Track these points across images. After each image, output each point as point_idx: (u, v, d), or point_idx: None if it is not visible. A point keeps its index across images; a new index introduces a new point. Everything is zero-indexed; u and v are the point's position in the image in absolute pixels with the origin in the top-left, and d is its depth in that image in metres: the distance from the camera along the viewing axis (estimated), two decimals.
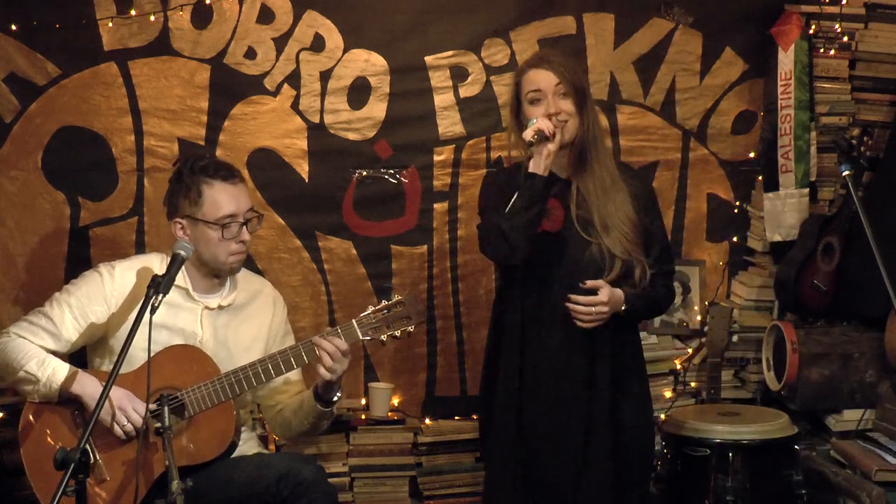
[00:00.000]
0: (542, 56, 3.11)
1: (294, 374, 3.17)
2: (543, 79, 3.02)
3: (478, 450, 3.98)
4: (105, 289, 3.05)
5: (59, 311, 3.02)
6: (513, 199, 2.95)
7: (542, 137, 2.93)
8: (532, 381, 3.06)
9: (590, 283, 2.97)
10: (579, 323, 2.98)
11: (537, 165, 2.94)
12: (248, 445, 3.19)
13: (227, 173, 3.05)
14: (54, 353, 3.00)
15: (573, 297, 2.97)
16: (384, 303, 3.02)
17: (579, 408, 3.05)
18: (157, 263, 3.12)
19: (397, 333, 3.00)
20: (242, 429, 3.18)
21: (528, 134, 2.93)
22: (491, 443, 3.21)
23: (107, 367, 3.05)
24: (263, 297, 3.25)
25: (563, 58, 3.09)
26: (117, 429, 2.88)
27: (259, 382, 2.99)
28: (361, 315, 3.00)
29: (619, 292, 3.01)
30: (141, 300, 2.73)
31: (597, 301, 2.96)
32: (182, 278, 3.06)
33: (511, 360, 3.09)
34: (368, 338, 2.99)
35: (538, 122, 2.94)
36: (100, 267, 3.12)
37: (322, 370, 2.95)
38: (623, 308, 3.01)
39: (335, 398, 3.07)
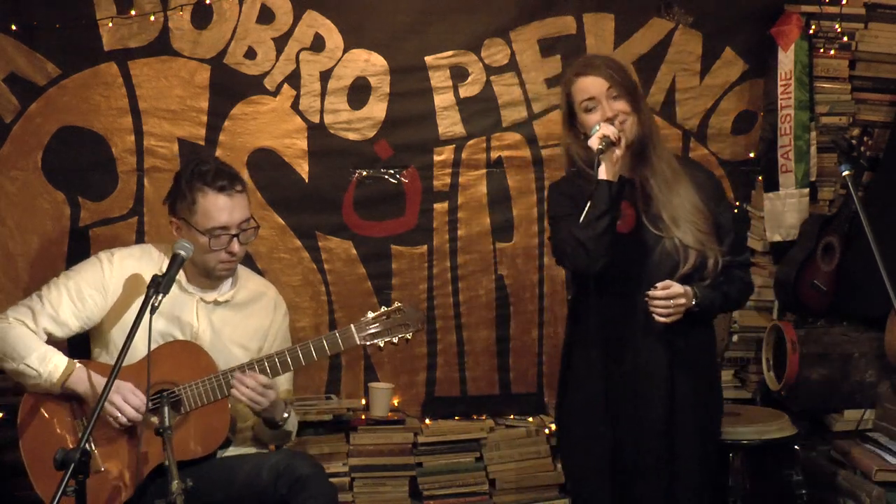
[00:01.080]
0: (588, 62, 3.06)
1: (282, 378, 3.14)
2: (594, 85, 2.98)
3: (478, 450, 3.98)
4: (104, 275, 3.05)
5: (56, 294, 3.02)
6: (586, 209, 2.90)
7: (609, 143, 2.89)
8: (614, 382, 3.01)
9: (660, 286, 2.92)
10: (658, 318, 2.92)
11: (607, 171, 2.90)
12: (250, 444, 3.20)
13: (225, 184, 3.00)
14: (52, 337, 3.00)
15: (651, 292, 2.92)
16: (383, 309, 3.03)
17: (662, 406, 3.00)
18: (156, 254, 3.12)
19: (395, 340, 3.01)
20: (244, 425, 3.18)
21: (595, 142, 2.89)
22: (575, 453, 3.16)
23: (105, 358, 3.05)
24: (266, 300, 3.24)
25: (608, 60, 3.05)
26: (119, 416, 2.89)
27: None
28: (360, 320, 3.01)
29: (688, 289, 2.95)
30: (139, 292, 2.74)
31: (673, 293, 2.91)
32: None
33: (592, 362, 3.03)
34: (367, 343, 3.00)
35: (601, 128, 2.90)
36: (100, 254, 3.13)
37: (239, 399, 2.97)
38: (693, 302, 2.95)
39: (280, 422, 3.08)
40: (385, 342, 3.00)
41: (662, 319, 2.92)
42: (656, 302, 2.92)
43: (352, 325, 3.00)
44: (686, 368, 3.01)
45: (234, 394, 2.94)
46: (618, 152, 2.91)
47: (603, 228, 2.88)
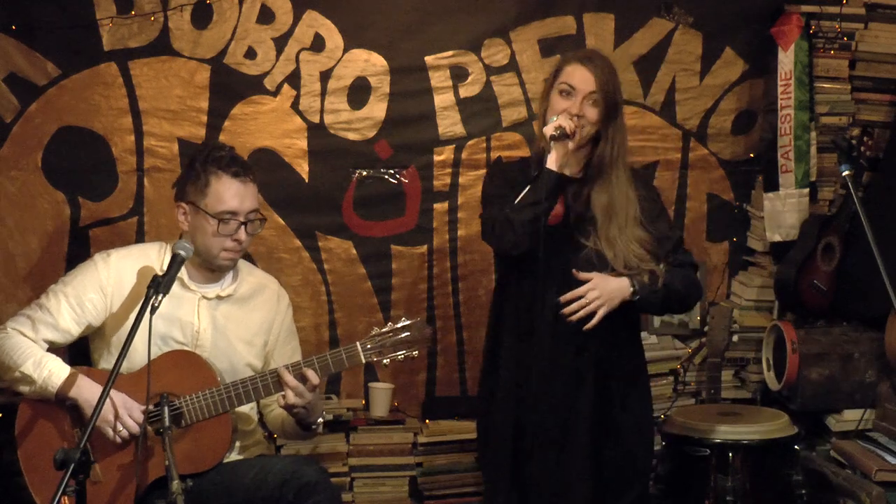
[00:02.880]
0: (591, 56, 3.08)
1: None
2: (583, 78, 3.01)
3: (478, 450, 3.98)
4: (100, 276, 3.03)
5: (55, 302, 3.00)
6: (524, 192, 2.94)
7: (563, 134, 2.94)
8: (525, 379, 3.05)
9: (583, 275, 2.97)
10: (572, 318, 2.96)
11: (556, 161, 2.95)
12: (254, 449, 3.19)
13: (239, 170, 3.02)
14: (53, 344, 2.99)
15: (563, 298, 2.96)
16: (390, 326, 2.99)
17: (566, 406, 3.05)
18: (154, 253, 3.11)
19: (400, 358, 2.98)
20: (248, 428, 3.18)
21: (549, 129, 2.95)
22: (489, 441, 3.21)
23: (105, 361, 3.04)
24: (269, 292, 3.23)
25: (609, 70, 3.06)
26: (111, 434, 2.87)
27: (258, 397, 2.98)
28: (366, 338, 2.97)
29: (619, 280, 2.99)
30: (139, 293, 2.72)
31: (585, 290, 2.95)
32: None
33: (507, 355, 3.10)
34: (373, 360, 2.97)
35: (560, 119, 2.96)
36: (95, 256, 3.11)
37: (280, 401, 2.94)
38: (631, 290, 2.98)
39: (314, 426, 3.08)
40: (390, 360, 2.97)
41: (574, 318, 2.96)
42: (570, 307, 2.96)
43: (357, 344, 2.96)
44: (593, 367, 3.05)
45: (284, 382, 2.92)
46: (570, 145, 2.96)
47: (534, 215, 2.92)
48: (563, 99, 3.02)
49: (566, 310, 2.97)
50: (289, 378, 2.91)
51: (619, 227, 3.03)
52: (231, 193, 2.99)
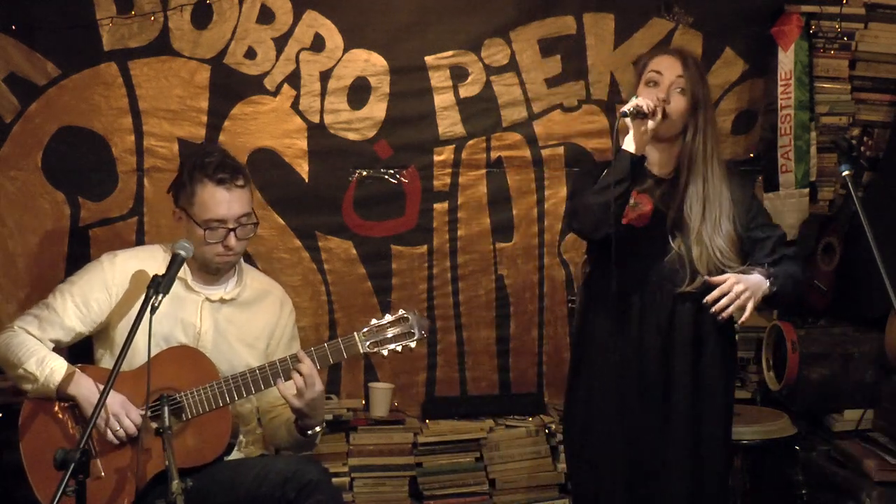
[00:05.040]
0: (681, 50, 3.06)
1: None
2: (669, 65, 2.95)
3: (478, 450, 3.98)
4: (106, 277, 3.04)
5: (61, 301, 3.01)
6: (602, 175, 2.92)
7: (640, 114, 2.83)
8: (623, 372, 2.98)
9: (717, 279, 2.87)
10: (724, 314, 2.85)
11: (630, 143, 2.86)
12: (253, 447, 3.19)
13: (225, 177, 2.98)
14: (59, 343, 3.00)
15: (708, 298, 2.85)
16: (388, 317, 3.00)
17: (653, 410, 2.97)
18: (161, 254, 3.11)
19: (399, 348, 2.98)
20: (247, 427, 3.18)
21: (626, 106, 2.84)
22: (580, 440, 3.12)
23: (108, 359, 3.05)
24: (272, 297, 3.23)
25: (695, 60, 3.01)
26: (110, 434, 2.87)
27: (258, 390, 2.97)
28: (364, 328, 2.97)
29: (753, 275, 2.90)
30: (142, 294, 2.72)
31: (730, 286, 2.84)
32: (182, 269, 3.02)
33: (601, 350, 3.02)
34: (371, 351, 2.97)
35: (639, 98, 2.85)
36: (102, 257, 3.11)
37: (290, 397, 2.92)
38: (768, 283, 2.88)
39: (310, 431, 3.05)
40: (389, 351, 2.97)
41: (725, 315, 2.86)
42: (719, 303, 2.85)
43: (355, 334, 2.96)
44: (689, 368, 2.97)
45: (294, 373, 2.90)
46: (649, 125, 2.84)
47: (615, 196, 2.83)
48: (650, 88, 2.94)
49: (716, 307, 2.86)
50: (305, 365, 2.90)
51: (713, 223, 2.94)
52: (215, 201, 2.97)
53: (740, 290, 2.85)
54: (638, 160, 2.87)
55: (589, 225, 2.91)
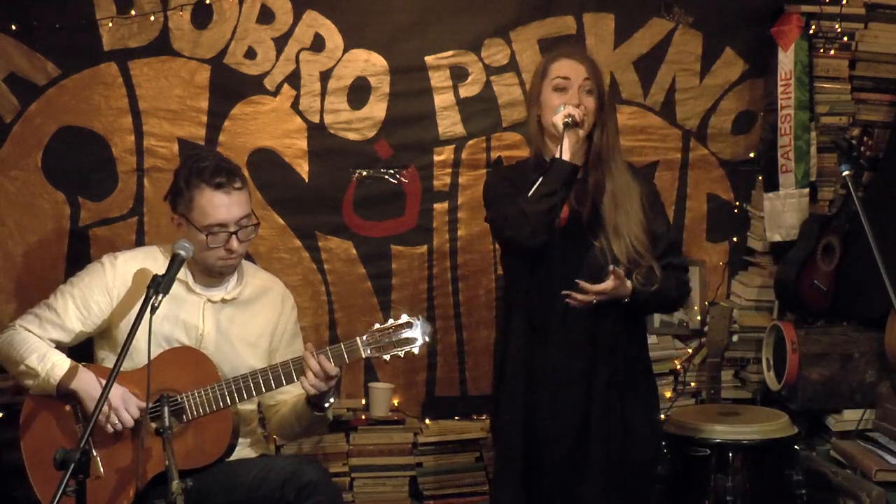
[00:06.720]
0: (574, 49, 3.15)
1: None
2: (574, 70, 3.04)
3: (478, 450, 3.98)
4: (107, 278, 3.04)
5: (62, 302, 3.02)
6: (537, 184, 2.94)
7: (574, 123, 2.94)
8: (535, 381, 3.05)
9: (597, 287, 2.94)
10: (571, 302, 2.95)
11: (568, 151, 2.94)
12: (253, 448, 3.18)
13: (223, 180, 2.97)
14: (60, 344, 3.01)
15: (575, 289, 2.93)
16: (391, 322, 2.97)
17: (577, 409, 3.04)
18: (160, 255, 3.11)
19: (401, 353, 2.96)
20: (248, 428, 3.17)
21: (559, 118, 2.95)
22: (498, 443, 3.21)
23: (109, 361, 3.04)
24: (273, 294, 3.22)
25: (593, 58, 3.13)
26: (108, 427, 2.88)
27: (259, 392, 2.97)
28: (367, 333, 2.95)
29: (627, 286, 2.98)
30: (143, 294, 2.72)
31: (598, 289, 2.93)
32: (182, 271, 3.02)
33: (516, 357, 3.09)
34: (373, 356, 2.96)
35: (567, 108, 2.96)
36: (103, 258, 3.12)
37: (304, 384, 2.93)
38: (626, 299, 2.98)
39: (326, 404, 3.05)
40: (391, 356, 2.95)
41: (574, 304, 2.95)
42: (577, 297, 2.95)
43: (358, 339, 2.95)
44: (607, 369, 3.04)
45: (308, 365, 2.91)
46: (580, 133, 2.96)
47: (550, 206, 2.91)
48: (559, 94, 3.03)
49: (574, 295, 2.95)
50: (312, 363, 2.90)
51: (626, 214, 3.02)
52: (215, 206, 2.96)
53: (601, 298, 2.95)
54: (574, 167, 2.96)
55: (526, 233, 2.95)
